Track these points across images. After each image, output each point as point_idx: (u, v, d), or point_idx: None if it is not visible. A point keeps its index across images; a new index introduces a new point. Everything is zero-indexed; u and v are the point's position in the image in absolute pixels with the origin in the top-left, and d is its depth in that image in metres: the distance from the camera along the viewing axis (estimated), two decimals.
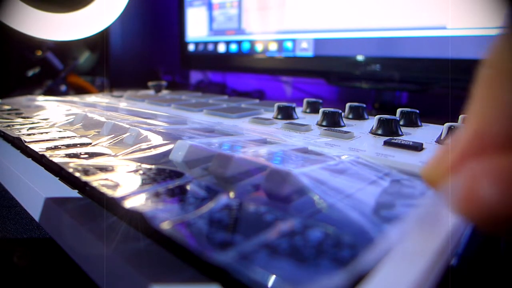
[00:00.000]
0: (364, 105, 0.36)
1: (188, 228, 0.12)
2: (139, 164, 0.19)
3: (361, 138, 0.27)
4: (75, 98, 0.50)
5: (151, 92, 0.57)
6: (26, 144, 0.23)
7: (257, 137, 0.25)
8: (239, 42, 0.70)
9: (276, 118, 0.35)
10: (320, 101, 0.40)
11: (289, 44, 0.63)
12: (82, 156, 0.20)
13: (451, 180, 0.08)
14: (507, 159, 0.07)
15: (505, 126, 0.08)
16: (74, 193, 0.18)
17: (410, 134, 0.29)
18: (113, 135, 0.25)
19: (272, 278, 0.09)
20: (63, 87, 0.70)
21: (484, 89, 0.08)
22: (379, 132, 0.28)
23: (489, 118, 0.08)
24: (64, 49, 0.72)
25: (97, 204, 0.16)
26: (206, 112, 0.38)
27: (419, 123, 0.32)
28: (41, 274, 0.19)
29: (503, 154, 0.07)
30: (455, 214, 0.08)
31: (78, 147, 0.22)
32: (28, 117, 0.34)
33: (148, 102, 0.46)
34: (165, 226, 0.12)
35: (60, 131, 0.27)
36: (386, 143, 0.25)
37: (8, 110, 0.38)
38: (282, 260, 0.10)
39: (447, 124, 0.26)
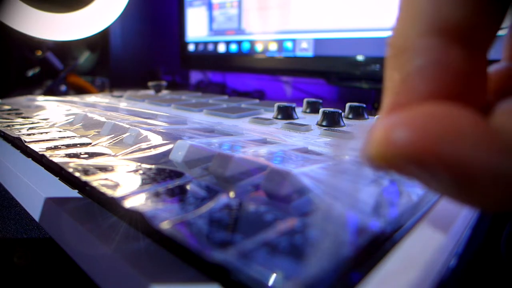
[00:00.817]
0: (364, 105, 0.36)
1: (188, 228, 0.12)
2: (139, 164, 0.19)
3: None
4: (75, 98, 0.50)
5: (151, 92, 0.57)
6: (26, 144, 0.23)
7: (257, 137, 0.25)
8: (239, 42, 0.70)
9: (276, 118, 0.35)
10: (320, 101, 0.40)
11: (289, 44, 0.63)
12: (82, 156, 0.20)
13: (369, 135, 0.09)
14: (413, 110, 0.09)
15: (407, 95, 0.09)
16: (74, 193, 0.18)
17: None
18: (113, 135, 0.25)
19: (273, 275, 0.09)
20: (63, 87, 0.70)
21: (389, 66, 0.10)
22: None
23: (394, 90, 0.10)
24: (64, 49, 0.72)
25: (97, 204, 0.16)
26: (206, 112, 0.38)
27: None
28: (41, 274, 0.19)
29: (410, 109, 0.09)
30: (371, 164, 0.09)
31: (78, 147, 0.22)
32: (28, 117, 0.34)
33: (148, 102, 0.46)
34: (165, 225, 0.12)
35: (60, 131, 0.27)
36: None
37: (8, 110, 0.38)
38: (281, 258, 0.10)
39: None
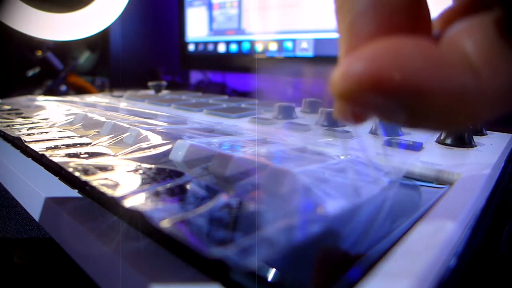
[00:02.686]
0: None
1: (188, 226, 0.12)
2: (139, 163, 0.19)
3: (361, 138, 0.27)
4: (75, 98, 0.50)
5: (151, 92, 0.57)
6: (26, 144, 0.23)
7: (257, 137, 0.25)
8: (239, 42, 0.70)
9: (276, 118, 0.35)
10: (320, 101, 0.40)
11: (289, 44, 0.63)
12: (82, 155, 0.20)
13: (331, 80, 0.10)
14: (365, 47, 0.09)
15: (356, 39, 0.10)
16: (74, 193, 0.18)
17: (410, 134, 0.29)
18: (113, 135, 0.25)
19: (272, 271, 0.09)
20: (63, 87, 0.70)
21: (337, 21, 0.11)
22: (379, 132, 0.28)
23: (345, 39, 0.11)
24: (64, 49, 0.72)
25: (97, 204, 0.16)
26: (206, 112, 0.38)
27: None
28: (41, 274, 0.19)
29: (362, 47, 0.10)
30: (338, 107, 0.10)
31: (78, 147, 0.22)
32: (28, 117, 0.34)
33: (148, 102, 0.46)
34: (165, 224, 0.12)
35: (60, 131, 0.27)
36: (386, 143, 0.25)
37: (8, 110, 0.38)
38: (281, 255, 0.10)
39: None
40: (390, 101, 0.09)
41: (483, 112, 0.09)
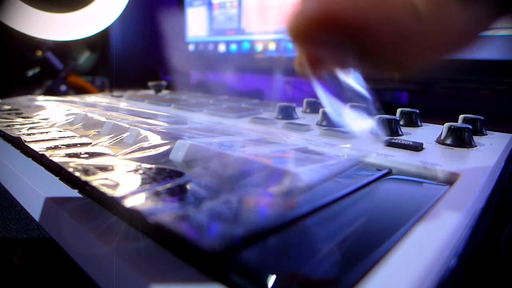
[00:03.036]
0: (364, 105, 0.35)
1: (187, 222, 0.12)
2: (139, 163, 0.19)
3: (361, 138, 0.27)
4: (75, 98, 0.50)
5: (151, 92, 0.57)
6: (26, 144, 0.23)
7: (257, 137, 0.25)
8: (239, 42, 0.70)
9: (276, 118, 0.35)
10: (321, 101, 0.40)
11: (289, 44, 0.63)
12: (82, 155, 0.20)
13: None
14: None
15: None
16: (74, 193, 0.18)
17: (410, 134, 0.29)
18: (113, 135, 0.25)
19: (270, 275, 0.09)
20: (63, 87, 0.70)
21: None
22: (379, 132, 0.28)
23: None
24: (64, 49, 0.72)
25: (97, 204, 0.16)
26: (206, 112, 0.38)
27: (419, 123, 0.32)
28: (41, 274, 0.19)
29: None
30: (292, 38, 0.11)
31: (78, 147, 0.22)
32: (28, 117, 0.34)
33: (148, 102, 0.46)
34: (164, 221, 0.12)
35: (60, 131, 0.27)
36: (386, 143, 0.25)
37: (8, 110, 0.38)
38: (280, 253, 0.10)
39: (447, 124, 0.26)
40: (340, 38, 0.10)
41: (427, 53, 0.10)
